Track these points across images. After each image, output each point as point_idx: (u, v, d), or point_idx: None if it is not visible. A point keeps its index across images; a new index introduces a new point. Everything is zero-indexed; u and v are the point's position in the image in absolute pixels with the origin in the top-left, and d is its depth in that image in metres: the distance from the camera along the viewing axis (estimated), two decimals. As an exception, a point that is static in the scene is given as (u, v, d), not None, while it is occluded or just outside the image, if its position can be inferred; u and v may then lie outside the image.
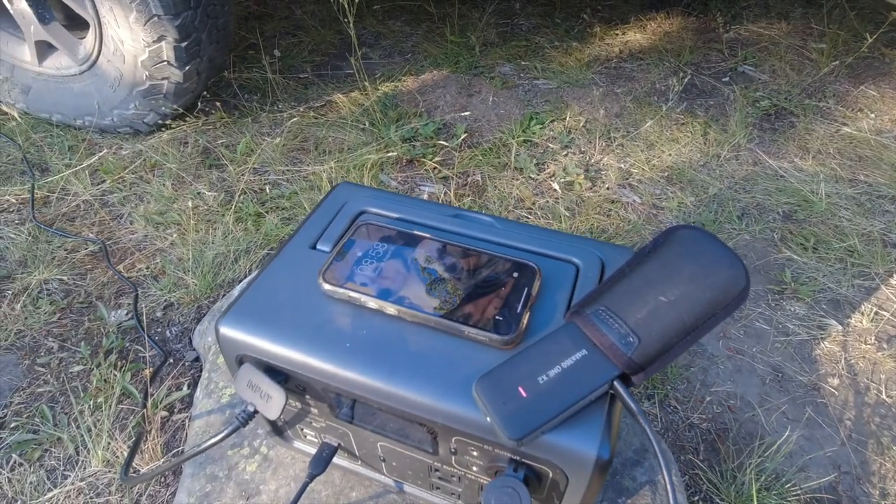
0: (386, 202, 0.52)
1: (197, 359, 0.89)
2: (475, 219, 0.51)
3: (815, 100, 1.55)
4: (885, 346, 0.94)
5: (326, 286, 0.43)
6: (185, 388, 0.84)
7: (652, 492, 0.58)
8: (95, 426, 0.78)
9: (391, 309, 0.42)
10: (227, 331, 0.43)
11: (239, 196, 1.21)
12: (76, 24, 1.32)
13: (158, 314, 0.98)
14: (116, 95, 1.31)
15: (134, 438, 0.75)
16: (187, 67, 1.26)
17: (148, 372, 0.86)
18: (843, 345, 0.95)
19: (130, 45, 1.20)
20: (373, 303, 0.42)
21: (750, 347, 0.95)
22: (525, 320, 0.41)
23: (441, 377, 0.39)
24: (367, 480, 0.57)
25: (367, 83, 1.56)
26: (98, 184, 1.29)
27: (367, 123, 1.44)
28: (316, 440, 0.53)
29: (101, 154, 1.36)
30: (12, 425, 0.81)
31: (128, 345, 0.92)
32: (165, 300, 1.00)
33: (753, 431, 0.82)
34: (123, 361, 0.89)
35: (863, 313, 1.00)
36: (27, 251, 1.08)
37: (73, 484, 0.73)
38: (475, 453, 0.40)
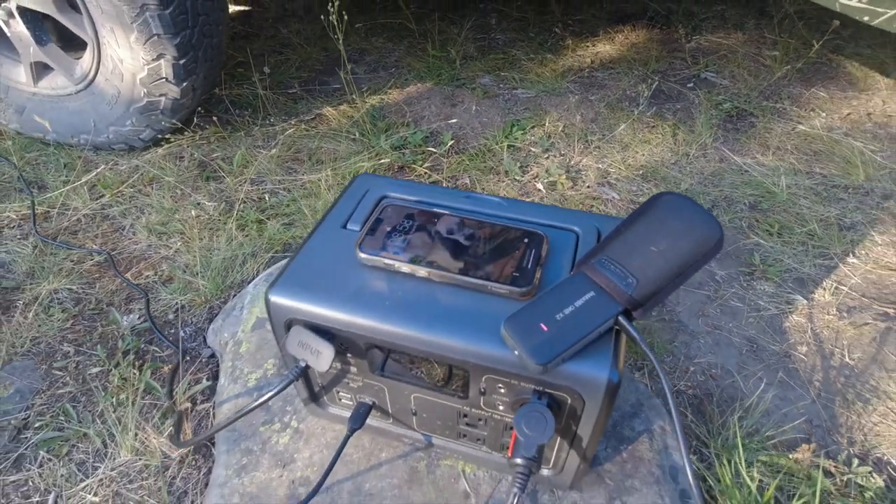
0: (404, 189, 0.59)
1: (212, 355, 0.93)
2: (485, 199, 0.58)
3: (772, 101, 1.68)
4: (845, 315, 1.04)
5: (363, 255, 0.49)
6: (204, 380, 0.88)
7: (649, 439, 0.65)
8: (121, 421, 0.81)
9: (422, 272, 0.48)
10: (276, 299, 0.49)
11: (239, 205, 1.26)
12: (70, 44, 1.36)
13: (170, 316, 1.01)
14: (113, 112, 1.35)
15: (178, 411, 0.79)
16: (184, 84, 1.31)
17: (168, 368, 0.90)
18: (809, 316, 1.04)
19: (130, 63, 1.25)
20: (405, 267, 0.48)
21: (726, 323, 1.04)
22: (538, 275, 0.47)
23: (472, 324, 0.45)
24: (396, 441, 0.63)
25: (355, 96, 1.63)
26: (97, 198, 1.32)
27: (357, 134, 1.51)
28: (351, 402, 0.58)
29: (98, 170, 1.39)
30: (36, 425, 0.84)
31: (143, 346, 0.96)
32: (176, 303, 1.03)
33: (734, 395, 0.90)
34: (141, 361, 0.92)
35: (825, 288, 1.10)
36: (34, 263, 1.11)
37: (104, 474, 0.76)
38: (502, 390, 0.47)
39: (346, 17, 1.39)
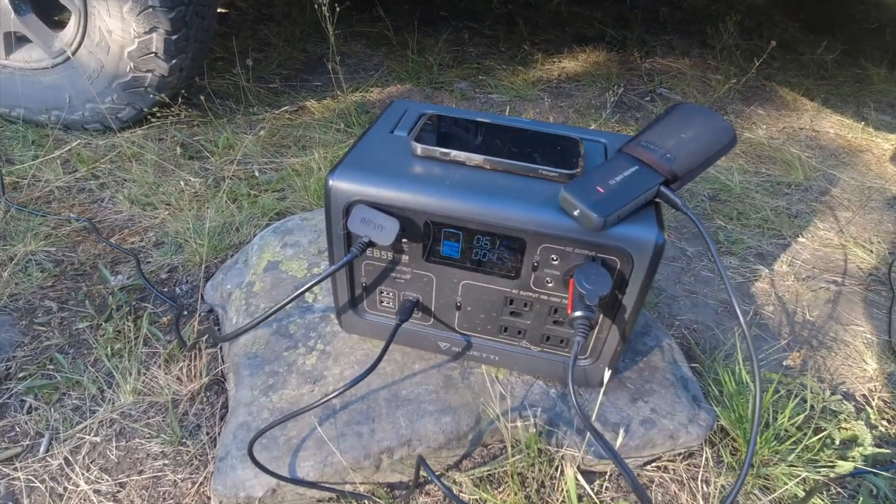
0: (441, 109, 0.63)
1: (211, 310, 0.91)
2: (518, 119, 0.63)
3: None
4: (802, 281, 1.15)
5: (419, 146, 0.53)
6: (212, 325, 0.85)
7: (660, 352, 0.70)
8: (118, 368, 0.78)
9: (477, 159, 0.52)
10: (337, 183, 0.51)
11: (227, 182, 1.25)
12: (46, 16, 1.33)
13: (163, 276, 0.98)
14: (93, 88, 1.32)
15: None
16: (173, 61, 1.31)
17: (166, 320, 0.87)
18: (771, 283, 1.15)
19: (119, 35, 1.24)
20: (461, 156, 0.52)
21: (701, 289, 1.13)
22: (581, 164, 0.52)
23: (529, 199, 0.49)
24: (431, 353, 0.64)
25: (343, 88, 1.66)
26: (71, 172, 1.27)
27: (342, 125, 1.54)
28: (392, 307, 0.60)
29: (72, 146, 1.34)
30: (20, 375, 0.78)
31: (135, 303, 0.92)
32: (168, 264, 1.01)
33: (716, 344, 0.97)
34: (135, 315, 0.89)
35: (782, 262, 1.21)
36: (6, 227, 1.05)
37: (104, 415, 0.72)
38: (555, 261, 0.50)
39: (337, 9, 1.44)
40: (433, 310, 0.59)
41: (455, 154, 0.52)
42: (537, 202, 0.49)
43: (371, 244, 0.51)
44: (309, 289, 0.53)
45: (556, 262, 0.50)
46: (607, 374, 0.56)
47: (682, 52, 2.28)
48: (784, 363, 0.89)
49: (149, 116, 1.40)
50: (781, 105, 2.01)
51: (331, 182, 0.51)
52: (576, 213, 0.47)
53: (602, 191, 0.46)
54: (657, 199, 0.50)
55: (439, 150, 0.52)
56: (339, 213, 0.52)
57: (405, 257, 0.55)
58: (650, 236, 0.47)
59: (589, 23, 2.43)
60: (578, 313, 0.47)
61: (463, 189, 0.50)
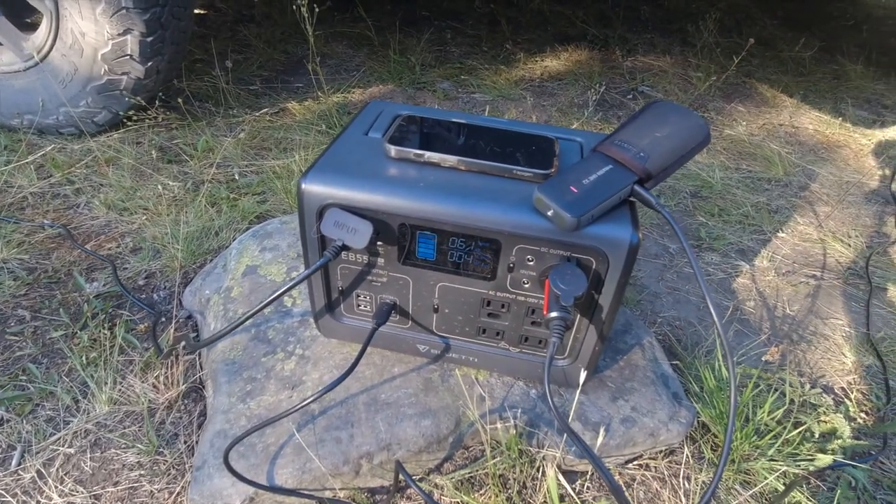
0: (417, 110, 0.63)
1: (189, 316, 0.90)
2: (494, 119, 0.63)
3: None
4: (782, 276, 1.16)
5: (393, 148, 0.52)
6: (189, 333, 0.84)
7: (641, 350, 0.70)
8: (94, 377, 0.76)
9: (451, 160, 0.51)
10: (310, 186, 0.50)
11: (207, 185, 1.23)
12: (16, 18, 1.30)
13: (140, 282, 0.97)
14: (67, 91, 1.30)
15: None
16: (149, 63, 1.29)
17: (143, 327, 0.85)
18: (752, 278, 1.16)
19: (92, 37, 1.21)
20: (435, 157, 0.52)
21: (683, 286, 1.13)
22: (556, 164, 0.52)
23: (503, 200, 0.49)
24: (410, 356, 0.64)
25: (324, 88, 1.65)
26: (45, 178, 1.25)
27: (324, 126, 1.53)
28: (369, 310, 0.59)
29: (46, 150, 1.32)
30: (-8, 387, 0.76)
31: (112, 310, 0.90)
32: (146, 270, 0.99)
33: (698, 340, 0.98)
34: (111, 323, 0.87)
35: (763, 257, 1.22)
36: (-23, 234, 1.03)
37: (79, 426, 0.70)
38: (531, 262, 0.50)
39: (317, 9, 1.43)
40: (411, 312, 0.58)
41: (429, 155, 0.52)
42: (511, 203, 0.49)
43: (345, 248, 0.50)
44: (281, 295, 0.52)
45: (531, 263, 0.50)
46: (583, 374, 0.56)
47: (664, 50, 2.30)
48: (763, 358, 0.89)
49: (125, 120, 1.38)
50: (761, 102, 2.03)
51: (303, 185, 0.50)
52: (549, 213, 0.46)
53: (575, 190, 0.46)
54: (631, 198, 0.50)
55: (413, 152, 0.52)
56: (313, 216, 0.51)
57: (381, 260, 0.54)
58: (624, 236, 0.47)
59: (571, 22, 2.44)
60: (554, 314, 0.47)
61: (437, 191, 0.49)
